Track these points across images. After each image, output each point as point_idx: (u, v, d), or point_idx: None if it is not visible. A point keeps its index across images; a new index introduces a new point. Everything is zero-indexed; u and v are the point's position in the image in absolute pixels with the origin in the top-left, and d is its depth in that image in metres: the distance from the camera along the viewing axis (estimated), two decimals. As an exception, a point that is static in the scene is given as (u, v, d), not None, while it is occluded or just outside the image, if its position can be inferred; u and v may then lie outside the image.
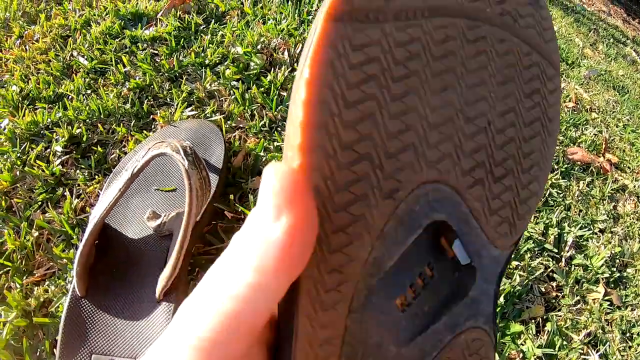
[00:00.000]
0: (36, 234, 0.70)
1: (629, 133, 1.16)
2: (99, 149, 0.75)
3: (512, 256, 0.25)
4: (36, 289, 0.66)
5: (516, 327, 0.68)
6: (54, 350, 0.58)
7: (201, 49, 0.91)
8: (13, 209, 0.73)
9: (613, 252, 0.86)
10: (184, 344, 0.14)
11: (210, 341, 0.14)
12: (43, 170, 0.74)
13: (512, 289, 0.69)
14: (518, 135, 0.21)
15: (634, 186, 1.01)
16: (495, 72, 0.21)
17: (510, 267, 0.72)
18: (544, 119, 0.22)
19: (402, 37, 0.18)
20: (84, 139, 0.77)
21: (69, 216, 0.69)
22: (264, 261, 0.15)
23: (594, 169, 0.97)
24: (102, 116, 0.80)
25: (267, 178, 0.15)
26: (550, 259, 0.78)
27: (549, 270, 0.77)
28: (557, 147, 0.95)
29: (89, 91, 0.85)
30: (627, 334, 0.80)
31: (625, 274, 0.86)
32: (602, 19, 2.32)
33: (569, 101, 1.09)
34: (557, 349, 0.70)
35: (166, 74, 0.85)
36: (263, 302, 0.15)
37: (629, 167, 1.06)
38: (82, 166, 0.75)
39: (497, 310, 0.69)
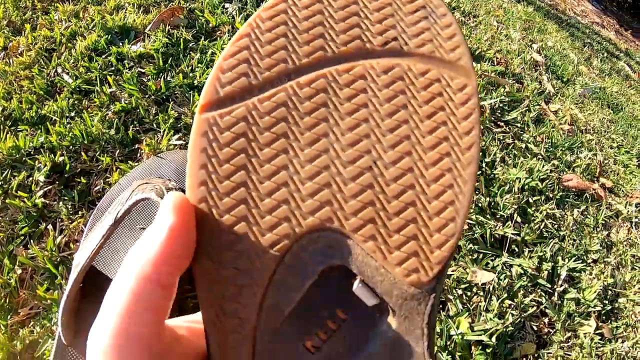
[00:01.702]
0: (19, 271, 0.68)
1: (623, 154, 1.15)
2: (83, 179, 0.73)
3: (441, 291, 0.23)
4: (21, 330, 0.64)
5: (508, 368, 0.68)
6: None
7: (190, 68, 0.88)
8: (-6, 242, 0.71)
9: (605, 283, 0.86)
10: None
11: (115, 336, 0.18)
12: (24, 202, 0.71)
13: (504, 329, 0.69)
14: (417, 163, 0.21)
15: (627, 211, 1.00)
16: (379, 105, 0.21)
17: (503, 305, 0.72)
18: (453, 136, 0.21)
19: (267, 106, 0.21)
20: (67, 167, 0.74)
21: (53, 253, 0.67)
22: (150, 252, 0.19)
23: (588, 196, 0.96)
24: (85, 142, 0.77)
25: (164, 200, 0.20)
26: (543, 294, 0.77)
27: (542, 306, 0.76)
28: (552, 174, 0.94)
29: (72, 113, 0.82)
30: (617, 367, 0.80)
31: (616, 304, 0.86)
32: (596, 32, 2.30)
33: (565, 123, 1.08)
34: (548, 388, 0.70)
35: (153, 97, 0.82)
36: (153, 292, 0.18)
37: (622, 191, 1.06)
38: (66, 198, 0.72)
39: (489, 350, 0.68)
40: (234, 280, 0.20)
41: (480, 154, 0.91)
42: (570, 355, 0.76)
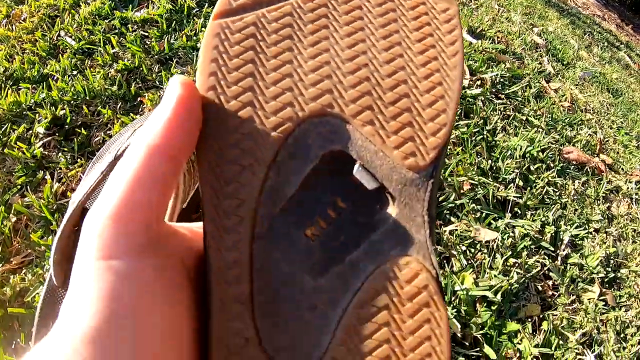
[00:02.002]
0: (14, 219, 0.66)
1: (623, 135, 1.15)
2: (83, 131, 0.72)
3: (440, 177, 0.24)
4: (12, 277, 0.62)
5: (513, 326, 0.67)
6: (30, 342, 0.54)
7: (193, 32, 0.88)
8: (-10, 192, 0.69)
9: (608, 252, 0.85)
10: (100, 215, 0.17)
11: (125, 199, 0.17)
12: (23, 153, 0.70)
13: (509, 287, 0.68)
14: (408, 63, 0.23)
15: (627, 188, 1.00)
16: (373, 19, 0.24)
17: (507, 264, 0.71)
18: (439, 45, 0.24)
19: (274, 15, 0.23)
20: (68, 120, 0.73)
21: (49, 201, 0.66)
22: (160, 124, 0.19)
23: (589, 169, 0.96)
24: (87, 98, 0.76)
25: (171, 79, 0.20)
26: (547, 257, 0.77)
27: (545, 268, 0.75)
28: (553, 146, 0.94)
29: (75, 72, 0.81)
30: (622, 335, 0.79)
31: (619, 274, 0.85)
32: (597, 23, 2.34)
33: (565, 101, 1.09)
34: (553, 348, 0.68)
35: (156, 57, 0.82)
36: (162, 164, 0.18)
37: (622, 169, 1.06)
38: (65, 149, 0.71)
39: (494, 307, 0.67)
40: (236, 160, 0.20)
41: (482, 121, 0.91)
42: (575, 318, 0.75)
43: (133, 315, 0.17)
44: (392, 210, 0.21)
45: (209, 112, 0.21)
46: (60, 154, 0.71)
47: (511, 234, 0.74)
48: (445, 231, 0.69)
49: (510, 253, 0.71)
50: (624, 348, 0.78)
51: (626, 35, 2.63)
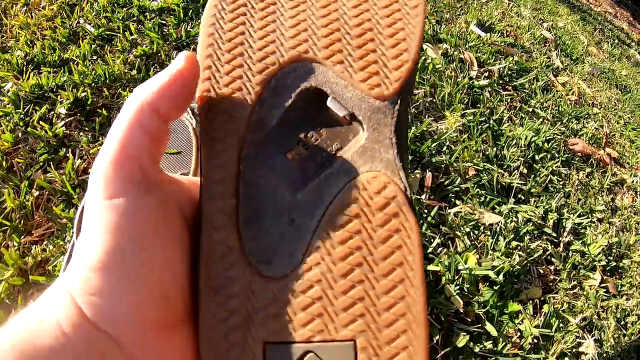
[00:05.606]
0: (36, 193, 0.69)
1: (630, 130, 1.16)
2: (104, 112, 0.75)
3: (408, 107, 0.27)
4: (34, 247, 0.65)
5: (514, 306, 0.69)
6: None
7: (209, 21, 0.90)
8: (14, 169, 0.73)
9: (610, 241, 0.86)
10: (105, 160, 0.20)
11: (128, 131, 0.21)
12: (46, 132, 0.74)
13: (510, 268, 0.70)
14: (374, 15, 0.27)
15: (632, 181, 1.02)
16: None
17: (510, 247, 0.73)
18: (404, 8, 0.27)
19: None
20: (89, 102, 0.76)
21: (71, 176, 0.69)
22: (156, 85, 0.22)
23: (593, 161, 0.97)
24: (107, 81, 0.79)
25: (179, 54, 0.23)
26: (549, 243, 0.78)
27: (547, 253, 0.77)
28: (559, 137, 0.95)
29: (95, 57, 0.85)
30: (622, 322, 0.81)
31: (621, 264, 0.87)
32: (608, 20, 2.33)
33: (572, 94, 1.10)
34: (553, 330, 0.70)
35: (174, 43, 0.85)
36: (152, 118, 0.21)
37: (628, 163, 1.07)
38: (86, 128, 0.74)
39: (496, 287, 0.69)
40: (228, 99, 0.24)
41: (488, 111, 0.93)
42: (576, 303, 0.76)
43: (135, 246, 0.19)
44: (363, 135, 0.24)
45: (206, 64, 0.25)
46: (81, 133, 0.74)
47: (514, 219, 0.75)
48: (450, 213, 0.71)
49: (512, 236, 0.73)
50: (624, 335, 0.80)
51: (638, 33, 2.62)
